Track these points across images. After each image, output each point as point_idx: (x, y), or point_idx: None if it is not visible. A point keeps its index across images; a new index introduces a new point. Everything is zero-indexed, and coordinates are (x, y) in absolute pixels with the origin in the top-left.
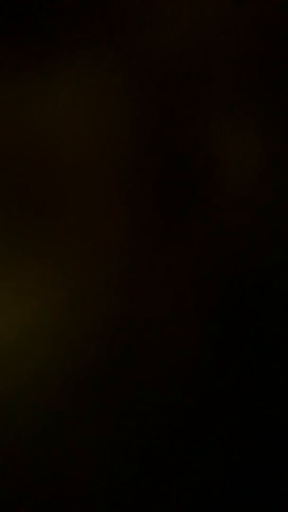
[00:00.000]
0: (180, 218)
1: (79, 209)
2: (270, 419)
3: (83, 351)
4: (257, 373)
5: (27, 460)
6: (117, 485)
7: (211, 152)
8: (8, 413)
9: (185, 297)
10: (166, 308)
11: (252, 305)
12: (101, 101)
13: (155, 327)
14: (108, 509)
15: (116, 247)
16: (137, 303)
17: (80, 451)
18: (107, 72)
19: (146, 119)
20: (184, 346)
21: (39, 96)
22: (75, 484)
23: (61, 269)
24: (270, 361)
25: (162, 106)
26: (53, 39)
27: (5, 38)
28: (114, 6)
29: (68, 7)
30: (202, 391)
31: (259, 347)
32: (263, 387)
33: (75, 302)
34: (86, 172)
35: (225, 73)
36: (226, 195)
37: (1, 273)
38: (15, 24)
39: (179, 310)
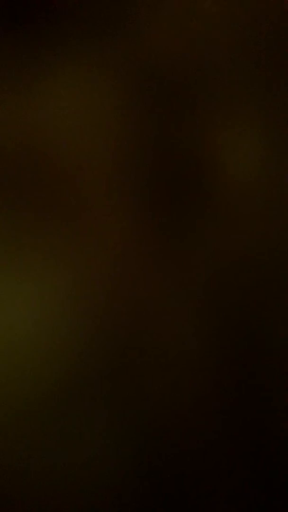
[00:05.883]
0: (182, 218)
1: (80, 207)
2: (271, 426)
3: (82, 350)
4: (260, 377)
5: (26, 464)
6: (118, 490)
7: (212, 151)
8: (7, 414)
9: (188, 299)
10: (168, 307)
11: (254, 306)
12: (102, 101)
13: (157, 328)
14: None
15: (117, 245)
16: (138, 301)
17: (80, 453)
18: (107, 73)
19: (147, 118)
20: (186, 346)
21: (40, 95)
22: (74, 486)
23: (61, 267)
24: (273, 363)
25: (164, 107)
26: (54, 39)
27: (5, 38)
28: (116, 8)
29: (68, 8)
30: (204, 394)
31: (262, 349)
32: (266, 390)
33: (75, 300)
34: (86, 170)
35: (226, 74)
36: (228, 195)
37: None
38: (14, 24)
39: (182, 314)
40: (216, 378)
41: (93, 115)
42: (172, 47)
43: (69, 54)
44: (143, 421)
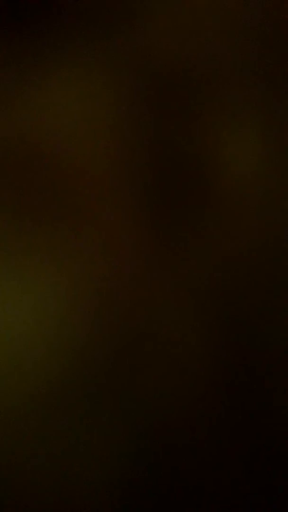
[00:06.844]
0: (182, 218)
1: (80, 209)
2: (271, 425)
3: (82, 349)
4: (260, 376)
5: (25, 463)
6: (118, 492)
7: (212, 151)
8: (7, 413)
9: (187, 298)
10: (168, 307)
11: (254, 306)
12: (102, 101)
13: (157, 327)
14: None
15: (117, 245)
16: (138, 300)
17: (80, 454)
18: (107, 73)
19: (147, 118)
20: (186, 349)
21: (40, 95)
22: (74, 484)
23: (61, 268)
24: (273, 363)
25: (164, 107)
26: (54, 39)
27: (5, 37)
28: (115, 7)
29: (68, 8)
30: (204, 393)
31: (262, 349)
32: (266, 389)
33: (75, 300)
34: (86, 171)
35: (226, 75)
36: (228, 195)
37: (1, 271)
38: (15, 23)
39: (181, 313)
40: (216, 377)
41: (93, 116)
42: (172, 47)
43: (69, 53)
44: (143, 419)
